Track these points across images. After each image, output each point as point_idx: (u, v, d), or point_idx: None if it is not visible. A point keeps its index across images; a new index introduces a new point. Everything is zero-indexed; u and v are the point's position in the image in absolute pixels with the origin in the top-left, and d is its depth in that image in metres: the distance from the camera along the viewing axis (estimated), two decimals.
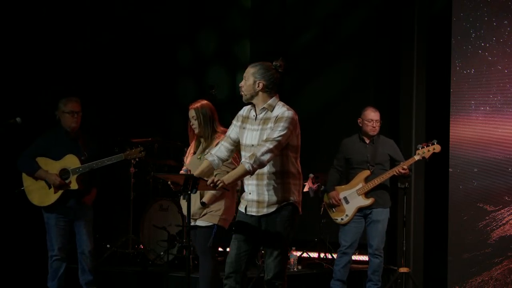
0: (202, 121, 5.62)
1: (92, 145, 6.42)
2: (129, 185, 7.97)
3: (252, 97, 4.83)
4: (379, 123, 6.92)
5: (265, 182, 4.76)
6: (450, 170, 7.28)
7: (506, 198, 6.89)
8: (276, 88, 4.84)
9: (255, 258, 7.13)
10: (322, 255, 8.29)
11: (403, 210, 7.30)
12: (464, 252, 7.13)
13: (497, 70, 7.00)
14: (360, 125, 6.95)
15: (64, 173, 6.20)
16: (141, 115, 8.80)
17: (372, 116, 6.90)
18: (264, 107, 4.82)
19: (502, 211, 6.91)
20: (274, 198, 4.76)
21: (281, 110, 4.78)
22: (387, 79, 8.64)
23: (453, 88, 7.30)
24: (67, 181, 6.19)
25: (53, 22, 7.99)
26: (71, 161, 6.20)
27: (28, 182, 6.29)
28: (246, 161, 4.64)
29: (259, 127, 4.81)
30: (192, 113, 5.65)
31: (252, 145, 4.79)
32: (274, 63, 4.83)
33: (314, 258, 8.35)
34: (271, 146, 4.64)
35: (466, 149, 7.17)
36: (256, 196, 4.80)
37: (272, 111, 4.80)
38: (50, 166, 6.23)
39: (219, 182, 4.63)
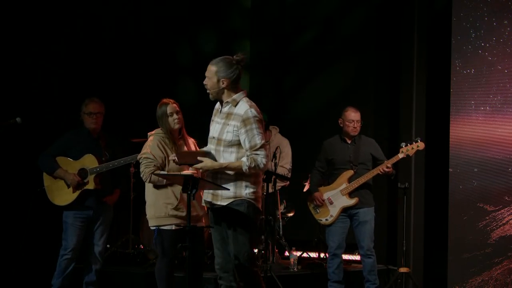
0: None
1: (114, 146, 6.43)
2: (129, 185, 7.96)
3: (218, 94, 4.87)
4: (360, 123, 6.91)
5: (218, 175, 4.83)
6: (450, 170, 7.28)
7: (506, 198, 6.89)
8: (240, 82, 4.88)
9: None
10: (322, 255, 8.29)
11: (403, 210, 7.29)
12: (464, 252, 7.13)
13: (497, 70, 7.01)
14: (341, 125, 6.96)
15: (83, 172, 6.22)
16: (141, 115, 8.77)
17: (353, 117, 6.89)
18: (228, 101, 4.86)
19: (502, 211, 6.91)
20: (226, 193, 4.81)
21: (244, 107, 4.81)
22: (387, 79, 8.64)
23: (453, 88, 7.30)
24: (85, 181, 6.20)
25: (52, 22, 7.98)
26: (89, 161, 6.22)
27: (48, 182, 6.31)
28: (246, 163, 4.72)
29: (222, 121, 4.86)
30: (176, 108, 5.72)
31: (213, 137, 4.88)
32: (235, 57, 4.85)
33: (314, 258, 8.35)
34: (264, 151, 4.75)
35: (466, 149, 7.17)
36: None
37: (235, 106, 4.83)
38: (70, 166, 6.25)
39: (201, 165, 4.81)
